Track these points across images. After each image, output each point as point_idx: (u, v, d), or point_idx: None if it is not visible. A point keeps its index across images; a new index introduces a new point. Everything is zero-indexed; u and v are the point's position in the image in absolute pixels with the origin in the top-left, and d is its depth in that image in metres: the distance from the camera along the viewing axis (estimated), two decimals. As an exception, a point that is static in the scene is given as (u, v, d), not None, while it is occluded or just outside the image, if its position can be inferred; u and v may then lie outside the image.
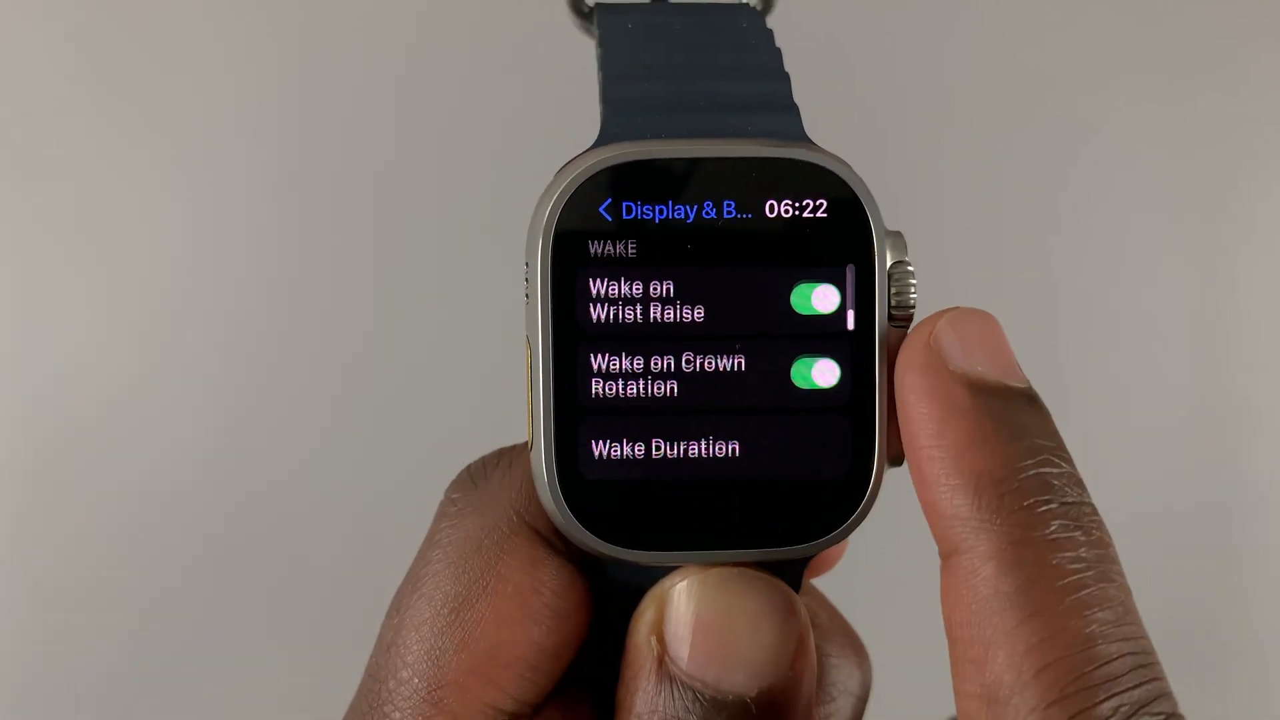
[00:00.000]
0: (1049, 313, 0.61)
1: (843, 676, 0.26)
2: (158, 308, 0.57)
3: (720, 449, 0.22)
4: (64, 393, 0.57)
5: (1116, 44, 0.60)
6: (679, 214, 0.22)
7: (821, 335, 0.22)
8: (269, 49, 0.57)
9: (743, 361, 0.22)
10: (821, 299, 0.22)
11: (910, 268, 0.22)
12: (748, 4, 0.26)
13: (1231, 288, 0.62)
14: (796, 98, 0.23)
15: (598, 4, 0.25)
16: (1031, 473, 0.20)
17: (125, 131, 0.57)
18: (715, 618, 0.21)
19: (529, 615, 0.22)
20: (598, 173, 0.22)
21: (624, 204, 0.22)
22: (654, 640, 0.22)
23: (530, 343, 0.22)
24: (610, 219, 0.22)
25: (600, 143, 0.22)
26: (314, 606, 0.59)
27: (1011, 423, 0.20)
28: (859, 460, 0.22)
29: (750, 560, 0.22)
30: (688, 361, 0.22)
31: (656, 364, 0.22)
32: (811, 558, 0.23)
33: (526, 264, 0.22)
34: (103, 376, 0.57)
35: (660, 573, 0.22)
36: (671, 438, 0.22)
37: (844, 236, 0.22)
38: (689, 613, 0.21)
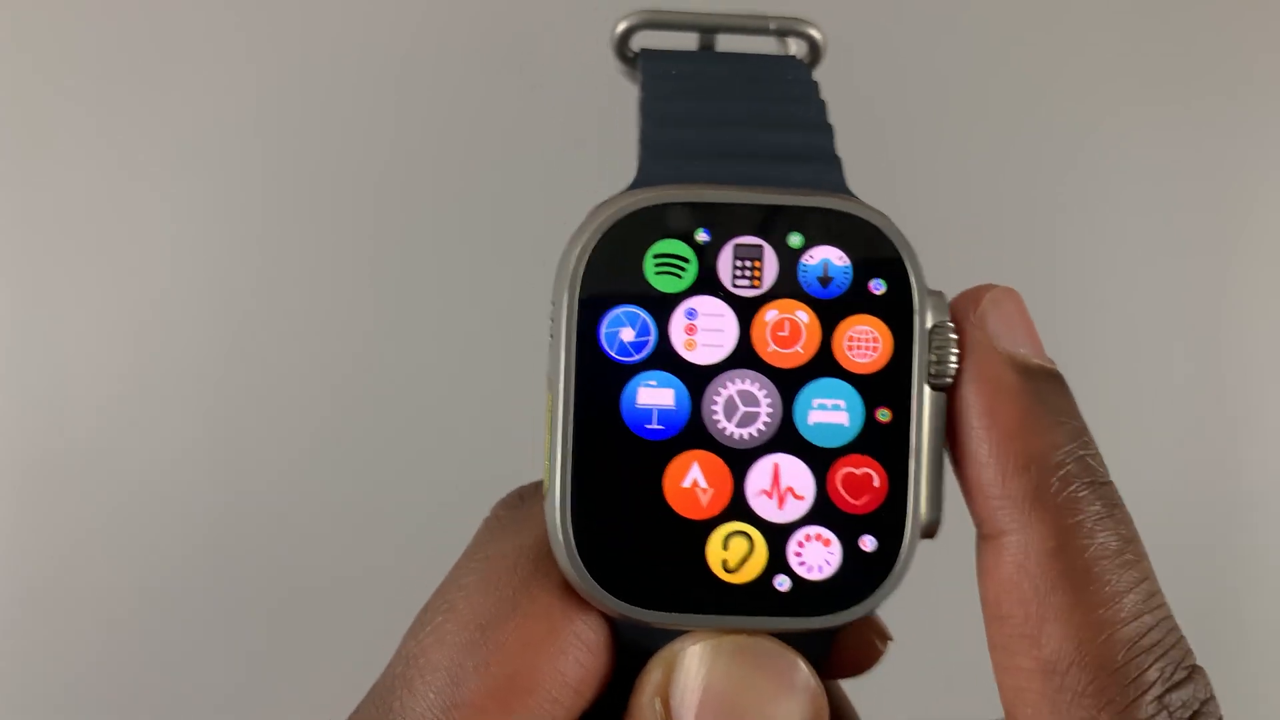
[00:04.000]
0: (1048, 312, 0.60)
1: None
2: (156, 308, 0.57)
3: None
4: (62, 393, 0.57)
5: (1115, 43, 0.60)
6: (712, 261, 0.21)
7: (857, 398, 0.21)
8: (268, 51, 0.57)
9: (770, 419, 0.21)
10: (860, 354, 0.21)
11: (952, 334, 0.21)
12: (794, 55, 0.25)
13: (1230, 286, 0.62)
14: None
15: (643, 50, 0.25)
16: (1076, 456, 0.20)
17: (124, 132, 0.56)
18: (726, 689, 0.20)
19: (557, 642, 0.21)
20: (630, 214, 0.21)
21: (657, 248, 0.21)
22: (658, 704, 0.21)
23: (552, 384, 0.21)
24: (642, 262, 0.21)
25: (636, 185, 0.22)
26: (314, 607, 0.59)
27: (1055, 405, 0.21)
28: (889, 528, 0.21)
29: (768, 629, 0.21)
30: (712, 417, 0.21)
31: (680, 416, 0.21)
32: (836, 632, 0.22)
33: (553, 303, 0.21)
34: (101, 377, 0.57)
35: (673, 635, 0.21)
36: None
37: (884, 295, 0.21)
38: (698, 680, 0.21)
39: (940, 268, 0.61)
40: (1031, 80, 0.60)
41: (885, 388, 0.21)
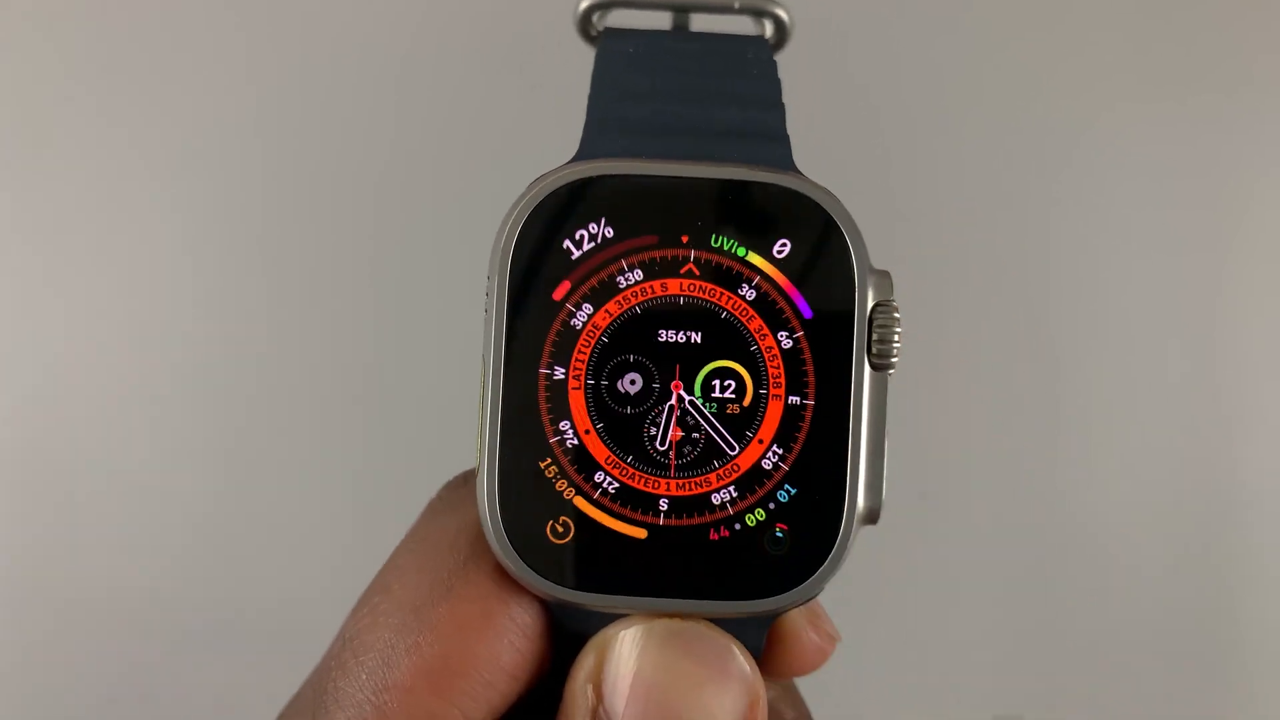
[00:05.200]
0: (1046, 312, 0.60)
1: None
2: (156, 308, 0.58)
3: (678, 486, 0.21)
4: (63, 393, 0.57)
5: (1113, 43, 0.60)
6: (648, 239, 0.21)
7: (792, 377, 0.21)
8: (268, 51, 0.58)
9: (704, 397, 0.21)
10: (789, 341, 0.21)
11: (896, 313, 0.21)
12: (761, 36, 0.25)
13: (1226, 283, 0.61)
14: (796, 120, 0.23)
15: (606, 28, 0.25)
16: None
17: (124, 132, 0.57)
18: (657, 676, 0.20)
19: (492, 625, 0.20)
20: (566, 186, 0.21)
21: (590, 224, 0.21)
22: (590, 690, 0.20)
23: (484, 361, 0.21)
24: (576, 240, 0.21)
25: (577, 159, 0.22)
26: (314, 606, 0.59)
27: None
28: (827, 513, 0.21)
29: (701, 613, 0.21)
30: (649, 394, 0.21)
31: (616, 393, 0.21)
32: (773, 617, 0.21)
33: (488, 278, 0.21)
34: (101, 377, 0.58)
35: (610, 619, 0.21)
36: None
37: (824, 272, 0.21)
38: (630, 666, 0.20)
39: (940, 267, 0.61)
40: (1028, 76, 0.59)
41: (824, 367, 0.21)
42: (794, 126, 0.23)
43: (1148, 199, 0.60)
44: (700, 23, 0.26)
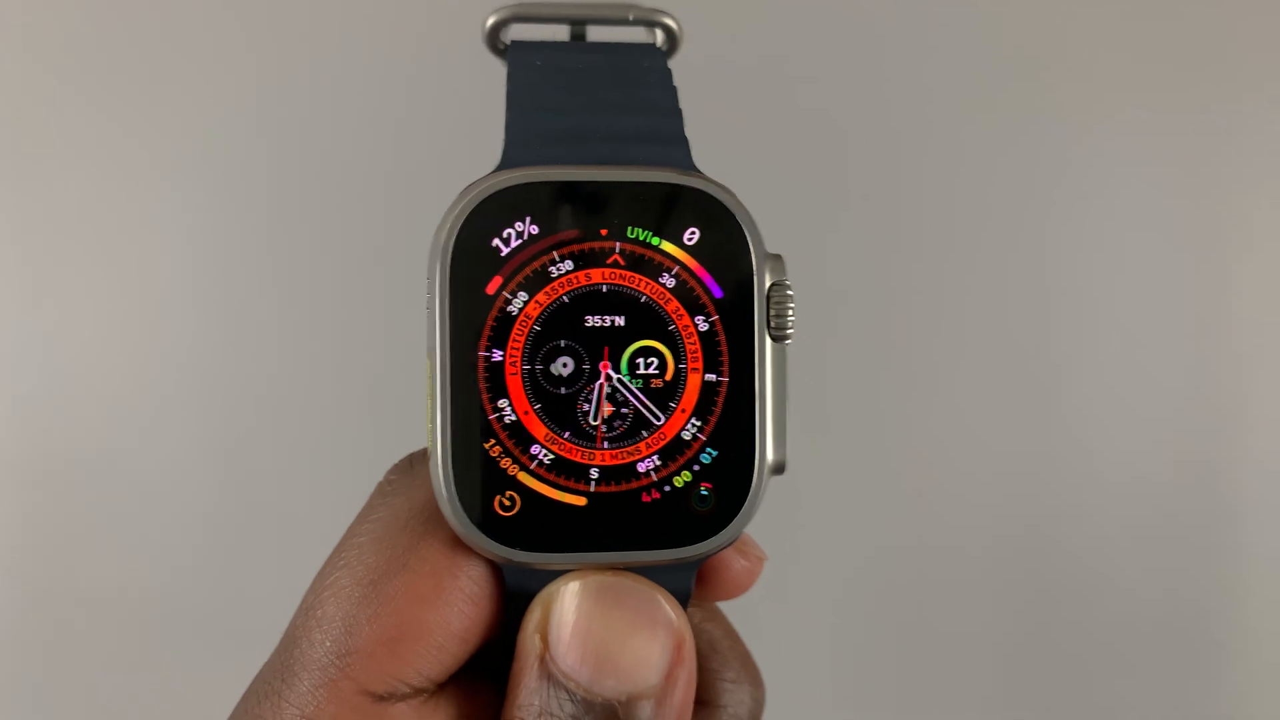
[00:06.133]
0: (1045, 311, 0.62)
1: (735, 700, 0.27)
2: (157, 308, 0.57)
3: (609, 457, 0.23)
4: (63, 393, 0.57)
5: (1112, 43, 0.62)
6: (569, 234, 0.23)
7: (708, 352, 0.24)
8: (268, 52, 0.57)
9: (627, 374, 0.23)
10: (703, 321, 0.24)
11: (790, 290, 0.24)
12: (654, 45, 0.27)
13: (1227, 284, 0.63)
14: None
15: (512, 41, 0.27)
16: None
17: (126, 133, 0.56)
18: (593, 623, 0.23)
19: (443, 596, 0.23)
20: (494, 194, 0.23)
21: (516, 224, 0.23)
22: (538, 639, 0.23)
23: (430, 354, 0.23)
24: (504, 238, 0.23)
25: (500, 168, 0.24)
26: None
27: None
28: (742, 466, 0.24)
29: (639, 563, 0.23)
30: (578, 374, 0.23)
31: (551, 375, 0.23)
32: (698, 563, 0.24)
33: (427, 279, 0.23)
34: (101, 376, 0.57)
35: (554, 575, 0.23)
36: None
37: (727, 257, 0.24)
38: (570, 615, 0.23)
39: (940, 267, 0.61)
40: (1026, 80, 0.62)
41: (734, 341, 0.24)
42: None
43: (1148, 199, 0.62)
44: (596, 33, 0.28)
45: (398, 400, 0.58)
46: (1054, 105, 0.62)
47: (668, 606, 0.23)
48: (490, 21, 0.27)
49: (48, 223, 0.57)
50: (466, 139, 0.59)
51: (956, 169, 0.61)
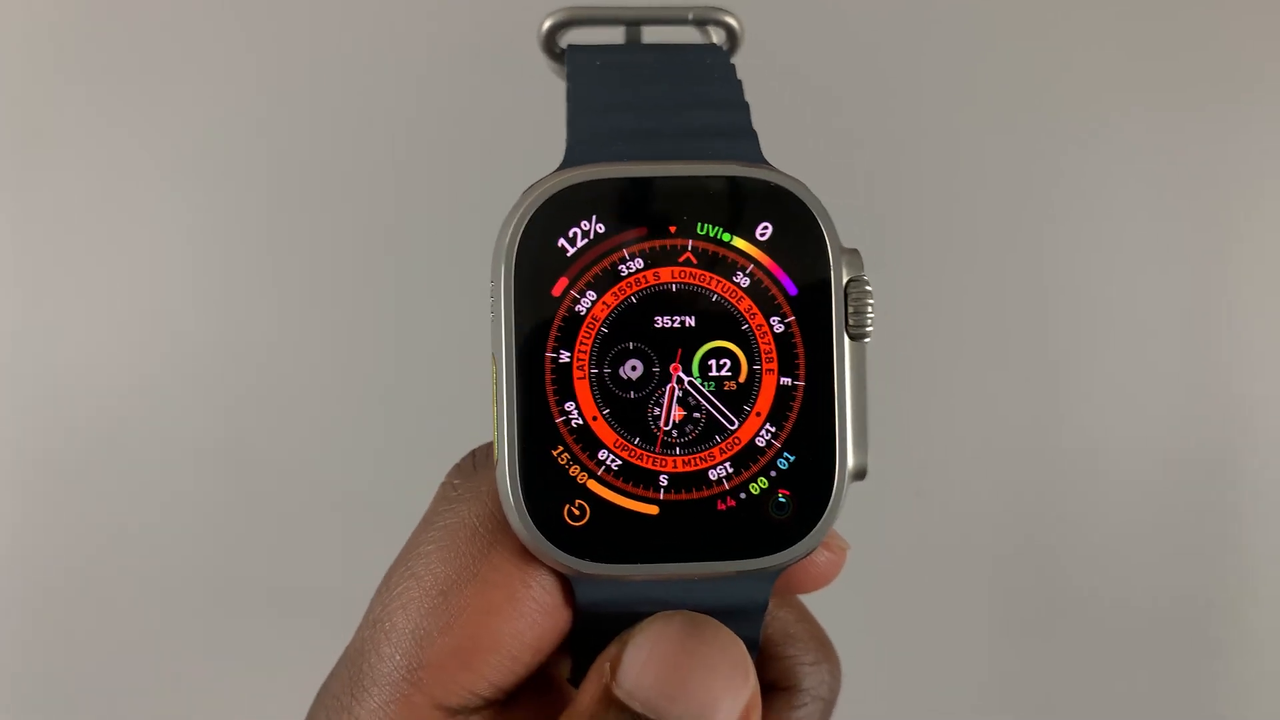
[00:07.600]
0: (1044, 309, 0.62)
1: (816, 681, 0.27)
2: (157, 308, 0.57)
3: (680, 463, 0.23)
4: (63, 393, 0.57)
5: (1112, 44, 0.62)
6: (637, 232, 0.23)
7: (783, 352, 0.23)
8: (269, 52, 0.58)
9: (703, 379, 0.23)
10: (778, 321, 0.23)
11: (868, 285, 0.23)
12: (714, 43, 0.27)
13: (1226, 283, 0.63)
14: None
15: (569, 45, 0.26)
16: None
17: (127, 133, 0.57)
18: (671, 651, 0.22)
19: (515, 606, 0.22)
20: (558, 193, 0.22)
21: (582, 223, 0.22)
22: (608, 668, 0.22)
23: (495, 359, 0.23)
24: (570, 238, 0.22)
25: (564, 166, 0.23)
26: (314, 604, 0.59)
27: None
28: (822, 473, 0.23)
29: (716, 573, 0.23)
30: (648, 377, 0.23)
31: (619, 379, 0.23)
32: (777, 573, 0.23)
33: (491, 281, 0.23)
34: (101, 376, 0.57)
35: (626, 600, 0.23)
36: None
37: (802, 253, 0.23)
38: (650, 639, 0.22)
39: (939, 266, 0.61)
40: (1026, 80, 0.61)
41: (810, 341, 0.23)
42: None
43: (1147, 199, 0.62)
44: (650, 35, 0.28)
45: (398, 400, 0.58)
46: (1054, 105, 0.61)
47: (746, 657, 0.22)
48: (546, 25, 0.26)
49: (48, 222, 0.57)
50: (466, 138, 0.59)
51: (955, 168, 0.61)
